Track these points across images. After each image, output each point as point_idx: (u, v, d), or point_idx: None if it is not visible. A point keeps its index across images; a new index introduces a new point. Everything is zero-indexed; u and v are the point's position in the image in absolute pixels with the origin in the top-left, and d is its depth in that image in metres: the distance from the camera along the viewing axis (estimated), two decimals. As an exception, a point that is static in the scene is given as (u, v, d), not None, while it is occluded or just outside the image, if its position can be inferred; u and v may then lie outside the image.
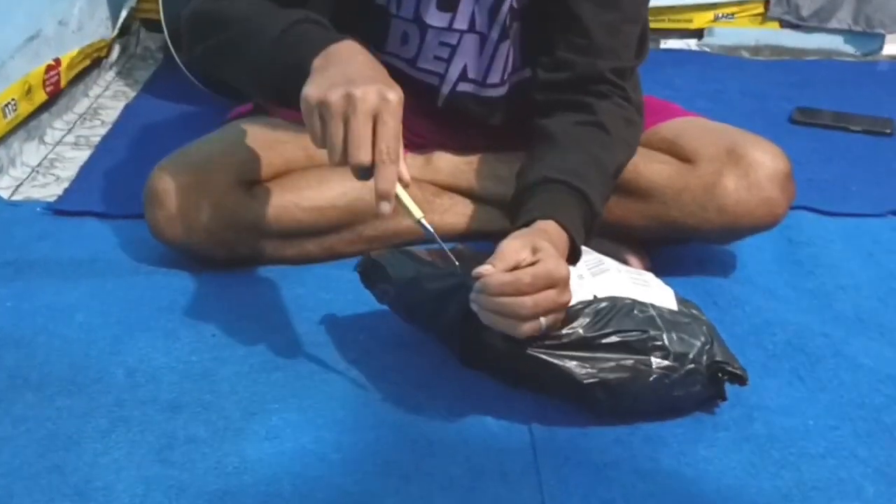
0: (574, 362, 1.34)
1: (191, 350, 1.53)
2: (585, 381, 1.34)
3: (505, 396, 1.43)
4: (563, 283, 1.32)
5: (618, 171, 1.59)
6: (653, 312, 1.40)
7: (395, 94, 1.30)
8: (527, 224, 1.42)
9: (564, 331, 1.34)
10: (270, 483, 1.29)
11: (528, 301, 1.29)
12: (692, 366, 1.37)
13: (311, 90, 1.32)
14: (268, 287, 1.69)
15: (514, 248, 1.34)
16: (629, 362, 1.35)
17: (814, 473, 1.32)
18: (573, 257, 1.44)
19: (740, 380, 1.39)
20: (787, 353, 1.55)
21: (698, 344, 1.38)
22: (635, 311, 1.39)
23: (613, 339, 1.36)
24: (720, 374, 1.39)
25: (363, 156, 1.28)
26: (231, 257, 1.72)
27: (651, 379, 1.35)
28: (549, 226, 1.42)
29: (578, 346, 1.35)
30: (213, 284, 1.70)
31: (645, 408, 1.39)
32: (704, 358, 1.38)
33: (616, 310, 1.38)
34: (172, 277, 1.73)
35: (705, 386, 1.39)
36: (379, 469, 1.32)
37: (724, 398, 1.43)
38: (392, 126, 1.29)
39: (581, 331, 1.35)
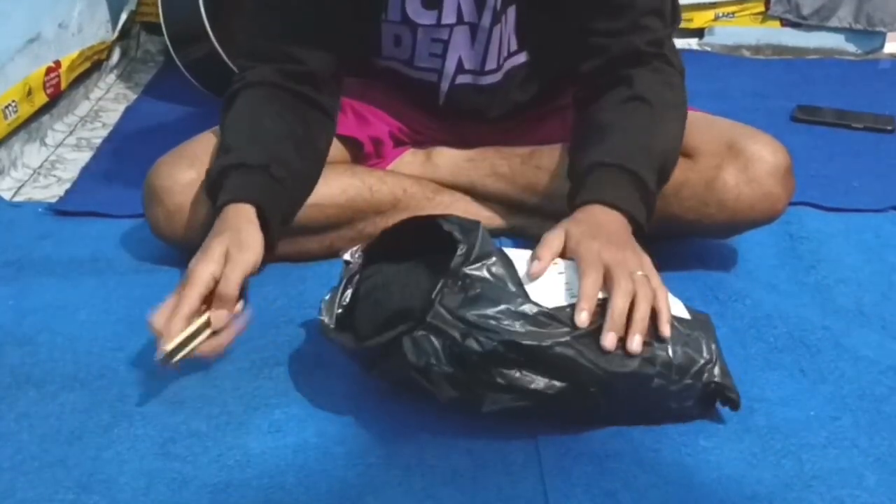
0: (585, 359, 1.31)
1: (192, 347, 1.53)
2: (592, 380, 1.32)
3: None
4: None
5: (671, 140, 1.61)
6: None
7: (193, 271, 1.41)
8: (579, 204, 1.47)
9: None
10: (273, 476, 1.29)
11: None
12: (690, 381, 1.35)
13: None
14: (268, 284, 1.69)
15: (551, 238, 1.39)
16: (634, 364, 1.32)
17: (815, 463, 1.32)
18: (639, 235, 1.46)
19: (732, 403, 1.37)
20: (789, 345, 1.55)
21: (701, 361, 1.36)
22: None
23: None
24: (714, 395, 1.37)
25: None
26: (231, 254, 1.72)
27: (652, 386, 1.33)
28: (593, 209, 1.45)
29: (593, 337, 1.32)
30: (215, 282, 1.70)
31: (638, 413, 1.38)
32: (705, 376, 1.36)
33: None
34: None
35: (696, 403, 1.38)
36: (381, 461, 1.32)
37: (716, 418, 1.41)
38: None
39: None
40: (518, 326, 1.30)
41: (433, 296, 1.31)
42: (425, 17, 1.68)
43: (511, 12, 1.69)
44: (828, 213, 1.99)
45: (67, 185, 2.14)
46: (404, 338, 1.31)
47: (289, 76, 1.64)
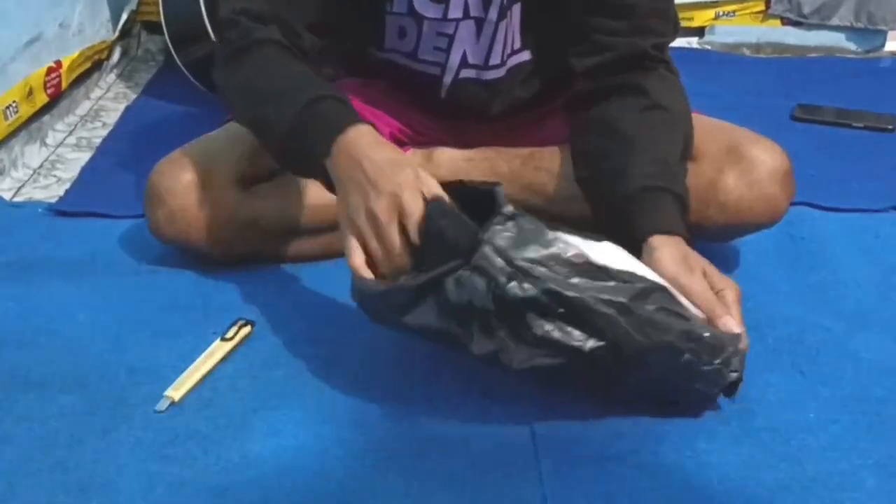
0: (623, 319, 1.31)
1: (192, 348, 1.53)
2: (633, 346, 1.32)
3: (506, 391, 1.43)
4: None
5: (688, 145, 1.62)
6: (693, 311, 1.38)
7: (409, 193, 1.36)
8: (641, 235, 1.48)
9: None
10: (272, 478, 1.29)
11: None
12: (718, 365, 1.36)
13: (342, 216, 1.43)
14: (268, 285, 1.70)
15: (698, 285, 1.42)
16: (672, 335, 1.32)
17: (814, 466, 1.32)
18: None
19: (733, 389, 1.39)
20: (788, 347, 1.55)
21: (730, 349, 1.37)
22: (682, 300, 1.38)
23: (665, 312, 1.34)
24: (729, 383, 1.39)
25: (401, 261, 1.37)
26: (231, 256, 1.72)
27: (682, 360, 1.34)
28: (673, 240, 1.48)
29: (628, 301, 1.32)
30: (214, 283, 1.71)
31: (664, 388, 1.38)
32: (734, 361, 1.37)
33: (665, 290, 1.36)
34: (173, 276, 1.73)
35: (718, 387, 1.39)
36: (380, 464, 1.32)
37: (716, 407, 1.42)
38: (414, 221, 1.35)
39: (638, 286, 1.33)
40: (564, 275, 1.30)
41: (481, 235, 1.30)
42: (432, 11, 1.68)
43: (516, 9, 1.68)
44: (828, 213, 1.98)
45: (67, 185, 2.14)
46: (447, 278, 1.30)
47: (293, 44, 1.61)
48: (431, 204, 1.36)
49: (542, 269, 1.29)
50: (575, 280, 1.30)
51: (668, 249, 1.45)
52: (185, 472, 1.30)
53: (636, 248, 1.46)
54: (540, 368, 1.32)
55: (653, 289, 1.34)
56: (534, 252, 1.30)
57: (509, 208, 1.33)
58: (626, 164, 1.55)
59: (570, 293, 1.29)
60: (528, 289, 1.28)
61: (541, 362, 1.31)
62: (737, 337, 1.37)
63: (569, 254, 1.31)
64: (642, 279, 1.35)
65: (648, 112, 1.61)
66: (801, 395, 1.45)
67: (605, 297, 1.30)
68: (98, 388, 1.46)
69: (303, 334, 1.58)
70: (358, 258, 1.39)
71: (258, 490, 1.28)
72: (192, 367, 1.48)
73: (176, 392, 1.43)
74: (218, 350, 1.52)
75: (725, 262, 1.77)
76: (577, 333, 1.30)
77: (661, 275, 1.40)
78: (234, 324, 1.57)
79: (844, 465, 1.32)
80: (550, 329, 1.30)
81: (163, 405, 1.41)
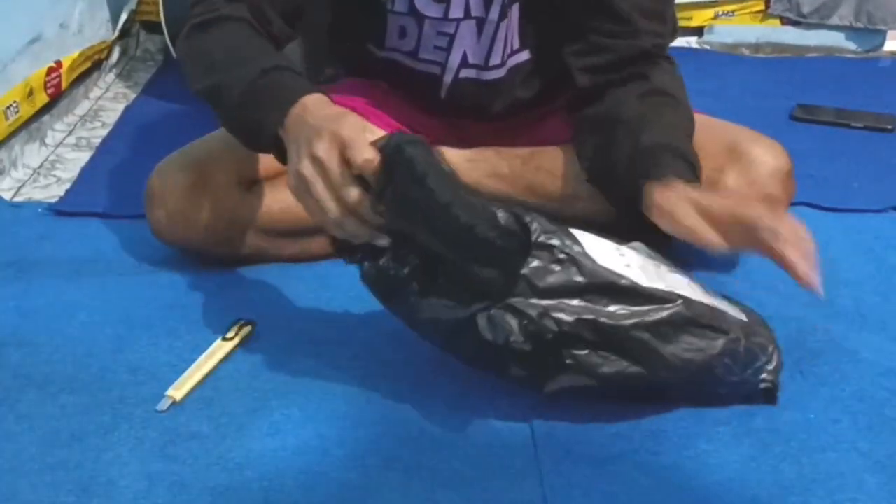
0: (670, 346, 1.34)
1: (192, 348, 1.53)
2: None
3: (506, 391, 1.43)
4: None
5: (690, 131, 1.62)
6: (731, 313, 1.41)
7: (350, 130, 1.32)
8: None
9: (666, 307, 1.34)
10: (273, 478, 1.29)
11: None
12: (748, 376, 1.40)
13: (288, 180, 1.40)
14: (268, 285, 1.70)
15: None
16: (711, 352, 1.35)
17: (815, 467, 1.32)
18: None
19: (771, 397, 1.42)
20: (788, 347, 1.54)
21: (763, 359, 1.41)
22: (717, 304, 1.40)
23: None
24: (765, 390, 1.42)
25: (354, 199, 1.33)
26: (231, 256, 1.72)
27: (715, 372, 1.37)
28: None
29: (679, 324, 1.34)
30: (214, 283, 1.71)
31: (689, 394, 1.41)
32: (763, 375, 1.41)
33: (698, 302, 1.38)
34: (174, 276, 1.73)
35: (741, 396, 1.41)
36: (381, 464, 1.32)
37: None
38: (357, 150, 1.31)
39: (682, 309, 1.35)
40: (597, 302, 1.31)
41: (522, 273, 1.30)
42: (433, 10, 1.68)
43: (515, 10, 1.69)
44: (827, 213, 1.99)
45: (67, 185, 2.14)
46: (479, 315, 1.30)
47: (262, 27, 1.61)
48: (394, 133, 1.33)
49: (574, 301, 1.31)
50: (609, 308, 1.32)
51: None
52: (185, 472, 1.30)
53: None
54: (572, 389, 1.34)
55: (687, 305, 1.36)
56: (566, 282, 1.31)
57: (541, 238, 1.32)
58: (634, 142, 1.55)
59: (603, 320, 1.31)
60: (563, 322, 1.30)
61: (573, 384, 1.33)
62: (773, 350, 1.41)
63: (600, 279, 1.32)
64: (671, 295, 1.35)
65: (649, 96, 1.62)
66: (801, 396, 1.45)
67: (639, 321, 1.32)
68: (99, 387, 1.46)
69: (303, 334, 1.58)
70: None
71: (259, 490, 1.28)
72: (192, 367, 1.48)
73: (177, 392, 1.43)
74: (218, 350, 1.52)
75: (725, 263, 1.78)
76: (612, 362, 1.32)
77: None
78: (234, 324, 1.57)
79: (845, 465, 1.32)
80: (585, 355, 1.32)
81: (164, 405, 1.41)
